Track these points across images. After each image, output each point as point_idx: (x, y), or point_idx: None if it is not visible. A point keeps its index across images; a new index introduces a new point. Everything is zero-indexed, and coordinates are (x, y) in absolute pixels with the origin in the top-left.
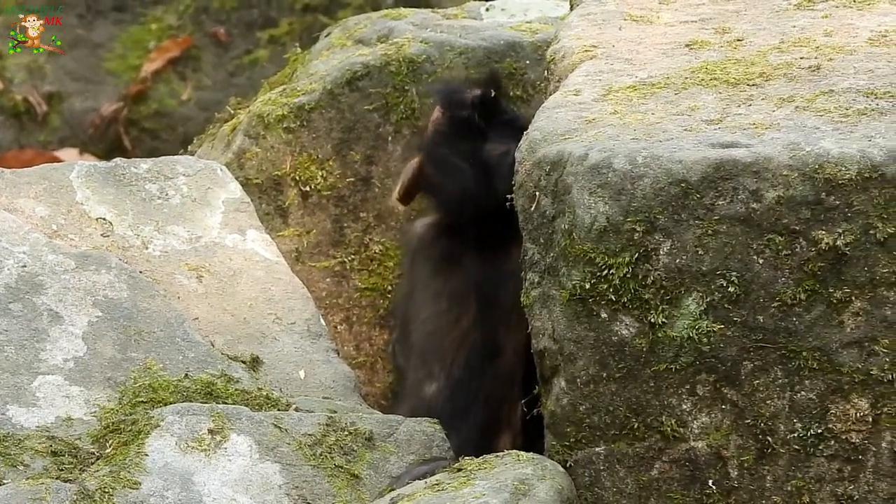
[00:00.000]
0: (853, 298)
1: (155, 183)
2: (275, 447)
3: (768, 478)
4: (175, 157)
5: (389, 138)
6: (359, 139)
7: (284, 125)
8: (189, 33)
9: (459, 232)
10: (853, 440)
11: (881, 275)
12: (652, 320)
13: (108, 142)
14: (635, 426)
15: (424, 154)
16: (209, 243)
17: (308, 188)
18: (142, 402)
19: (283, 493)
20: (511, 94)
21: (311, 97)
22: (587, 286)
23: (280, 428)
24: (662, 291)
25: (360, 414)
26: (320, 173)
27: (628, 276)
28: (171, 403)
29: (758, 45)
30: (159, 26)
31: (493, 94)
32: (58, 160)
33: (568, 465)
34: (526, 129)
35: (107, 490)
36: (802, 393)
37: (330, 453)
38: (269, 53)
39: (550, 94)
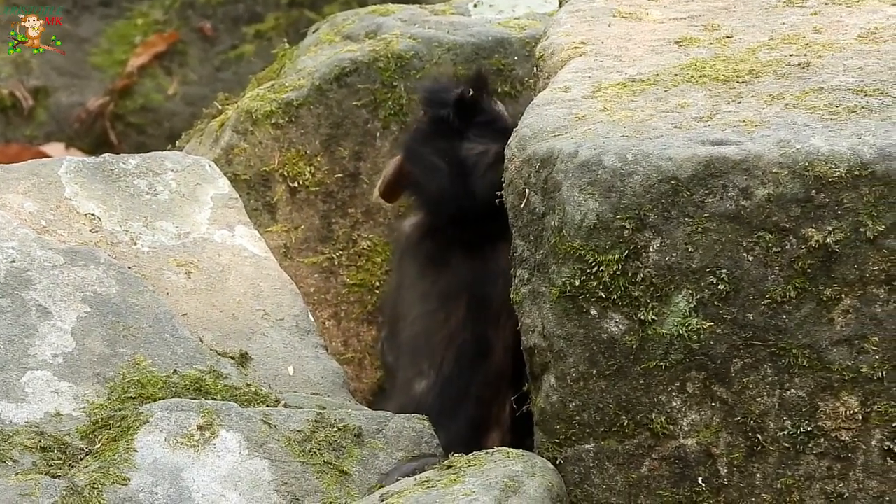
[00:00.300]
0: (843, 296)
1: (143, 178)
2: (264, 443)
3: (758, 475)
4: (163, 152)
5: (378, 134)
6: (347, 135)
7: (273, 121)
8: (175, 28)
9: (446, 231)
10: (843, 438)
11: (871, 272)
12: (642, 317)
13: (94, 136)
14: (625, 423)
15: (404, 152)
16: (198, 239)
17: (296, 184)
18: (131, 397)
19: (273, 490)
20: (499, 90)
21: (300, 93)
22: (577, 283)
23: (269, 424)
24: (652, 289)
25: (350, 410)
26: (308, 169)
27: (618, 273)
28: (159, 399)
29: (747, 43)
30: (145, 21)
31: (472, 94)
32: (44, 155)
33: (557, 462)
34: (507, 129)
35: (96, 486)
36: (792, 391)
37: (319, 450)
38: (256, 48)
39: (540, 91)
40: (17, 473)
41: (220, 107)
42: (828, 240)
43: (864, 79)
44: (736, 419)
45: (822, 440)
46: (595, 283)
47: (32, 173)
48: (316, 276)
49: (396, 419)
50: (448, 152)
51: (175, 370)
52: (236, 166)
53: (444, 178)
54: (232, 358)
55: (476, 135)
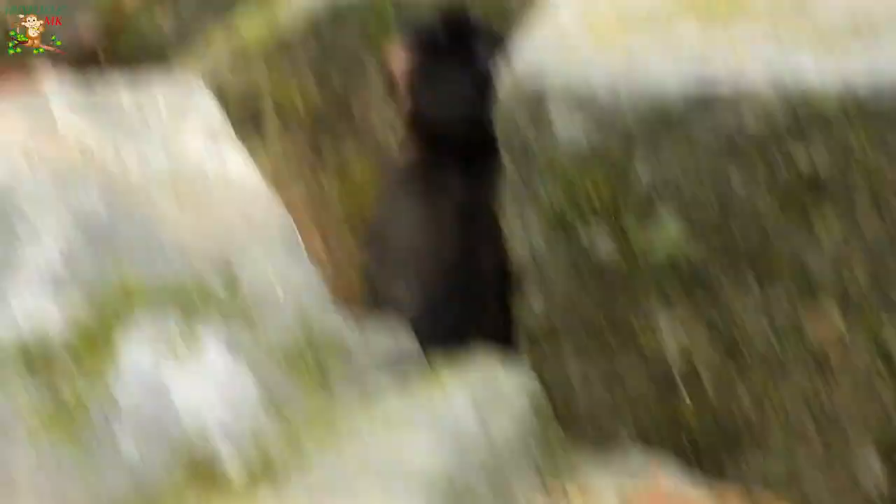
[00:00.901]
0: (832, 220)
1: (133, 104)
2: (250, 359)
3: (743, 392)
4: (154, 78)
5: (370, 68)
6: (339, 67)
7: (265, 53)
8: None
9: (442, 159)
10: (829, 356)
11: (859, 199)
12: (630, 238)
13: (85, 63)
14: (610, 341)
15: (412, 101)
16: (188, 164)
17: (287, 114)
18: (117, 314)
19: (258, 404)
20: (492, 23)
21: (293, 26)
22: (566, 204)
23: (255, 340)
24: (640, 211)
25: (336, 326)
26: (300, 100)
27: (607, 196)
28: (146, 315)
29: None
30: None
31: (462, 10)
32: (31, 75)
33: (542, 378)
34: (503, 38)
35: (82, 401)
36: (779, 310)
37: (305, 364)
38: None
39: (531, 23)
40: (2, 391)
41: (211, 38)
42: (818, 167)
43: (859, 15)
44: (723, 337)
45: (809, 358)
46: (584, 204)
47: (22, 99)
48: (306, 202)
49: (379, 329)
50: (463, 70)
51: (163, 289)
52: (228, 96)
53: (466, 93)
54: (220, 278)
55: (481, 47)
